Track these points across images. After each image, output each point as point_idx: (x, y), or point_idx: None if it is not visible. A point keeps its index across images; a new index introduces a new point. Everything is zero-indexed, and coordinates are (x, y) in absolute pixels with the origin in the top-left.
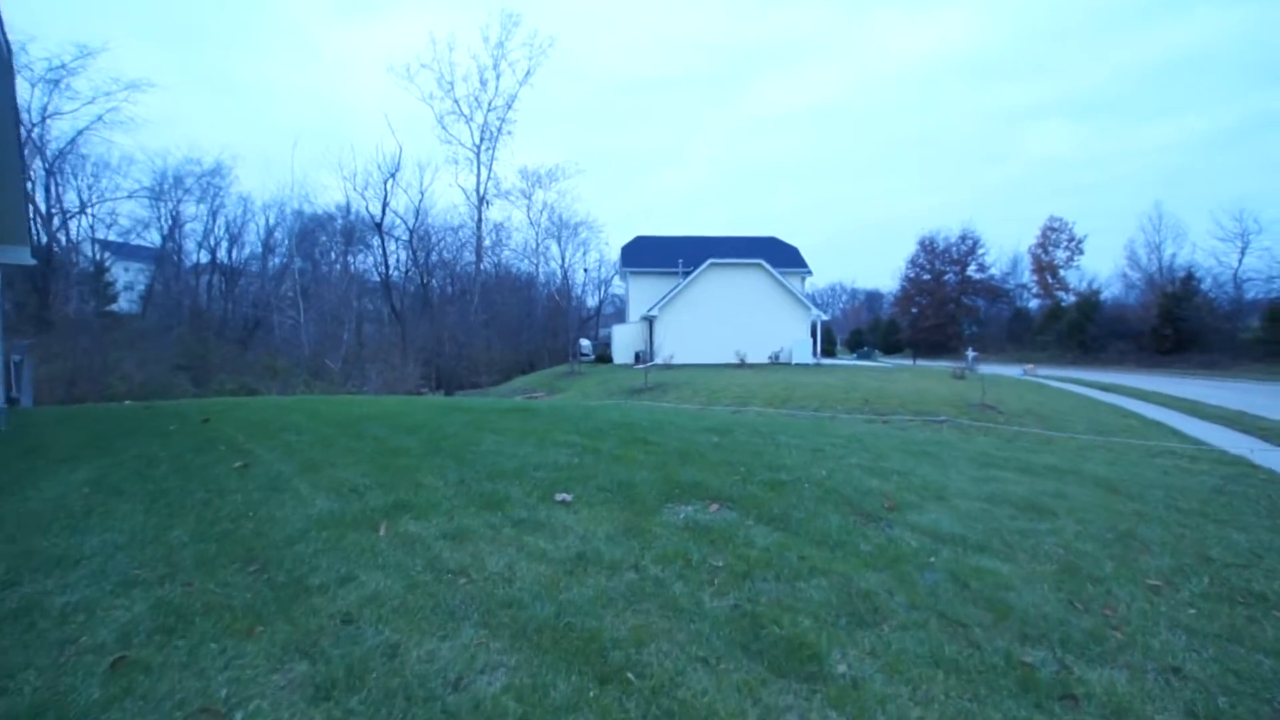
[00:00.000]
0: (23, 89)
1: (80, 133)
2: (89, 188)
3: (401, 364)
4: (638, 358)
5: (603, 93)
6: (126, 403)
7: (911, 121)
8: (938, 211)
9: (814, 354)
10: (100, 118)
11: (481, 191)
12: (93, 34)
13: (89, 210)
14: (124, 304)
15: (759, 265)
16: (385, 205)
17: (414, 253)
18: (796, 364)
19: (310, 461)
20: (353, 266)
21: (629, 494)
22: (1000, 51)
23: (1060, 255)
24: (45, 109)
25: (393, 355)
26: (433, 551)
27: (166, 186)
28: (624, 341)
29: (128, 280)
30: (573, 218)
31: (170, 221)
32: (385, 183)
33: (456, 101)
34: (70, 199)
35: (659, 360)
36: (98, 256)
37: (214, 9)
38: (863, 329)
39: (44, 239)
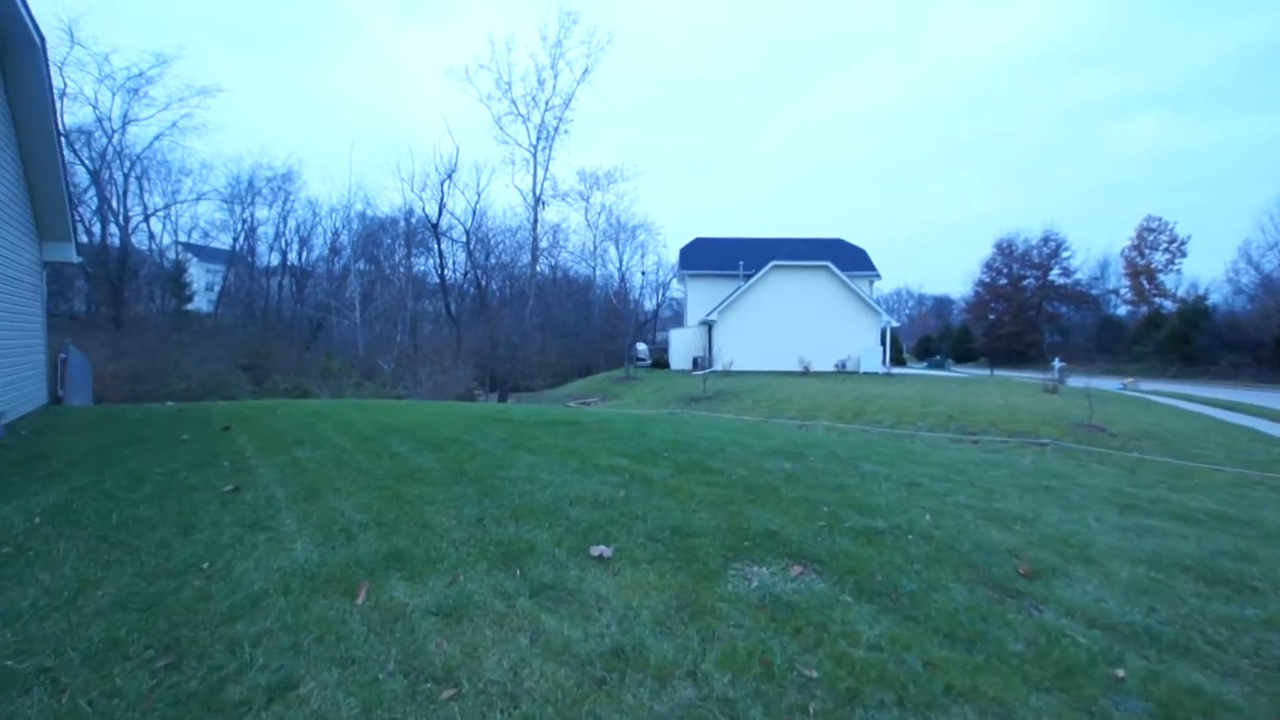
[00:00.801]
0: (104, 98)
1: (157, 138)
2: (171, 191)
3: (453, 366)
4: (696, 363)
5: (661, 95)
6: (168, 404)
7: (982, 119)
8: (1013, 213)
9: (883, 362)
10: (175, 124)
11: (538, 192)
12: (169, 41)
13: (164, 212)
14: (202, 304)
15: (825, 268)
16: (442, 206)
17: (470, 254)
18: (865, 373)
19: (311, 486)
20: (415, 269)
21: (685, 546)
22: (1079, 40)
23: (1159, 258)
24: (125, 115)
25: (445, 357)
26: (416, 637)
27: (240, 191)
28: (682, 346)
29: (208, 281)
30: (630, 220)
31: (242, 224)
32: (442, 184)
33: (514, 102)
34: (151, 201)
35: (718, 366)
36: (179, 257)
37: (280, 12)
38: (932, 336)
39: (119, 240)
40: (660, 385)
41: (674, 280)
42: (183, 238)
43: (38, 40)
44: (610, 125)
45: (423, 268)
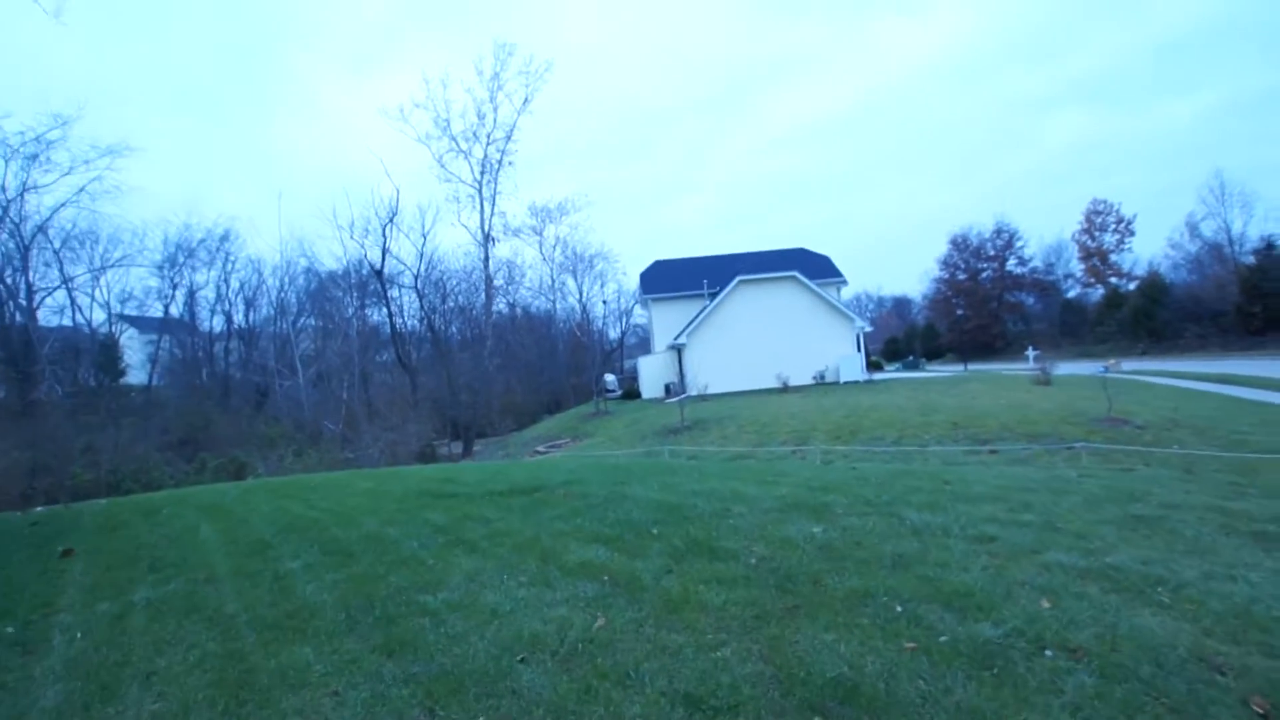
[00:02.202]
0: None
1: (61, 205)
2: (95, 259)
3: (403, 422)
4: (668, 390)
5: (608, 124)
6: (36, 510)
7: (924, 120)
8: (962, 208)
9: (863, 370)
10: (83, 189)
11: (486, 229)
12: (70, 103)
13: (88, 283)
14: (145, 377)
15: (793, 278)
16: (385, 252)
17: (422, 299)
18: (845, 382)
19: (113, 670)
20: (370, 320)
21: None
22: (1004, 40)
23: (1109, 239)
24: (24, 184)
25: (401, 412)
26: None
27: (174, 255)
28: (652, 374)
29: (150, 352)
30: (587, 250)
31: (175, 289)
32: (384, 229)
33: (454, 139)
34: (73, 274)
35: (692, 392)
36: (113, 329)
37: (193, 68)
38: (898, 337)
39: (21, 319)
40: (634, 418)
41: (637, 306)
42: (116, 309)
43: None
44: (558, 159)
45: (377, 318)
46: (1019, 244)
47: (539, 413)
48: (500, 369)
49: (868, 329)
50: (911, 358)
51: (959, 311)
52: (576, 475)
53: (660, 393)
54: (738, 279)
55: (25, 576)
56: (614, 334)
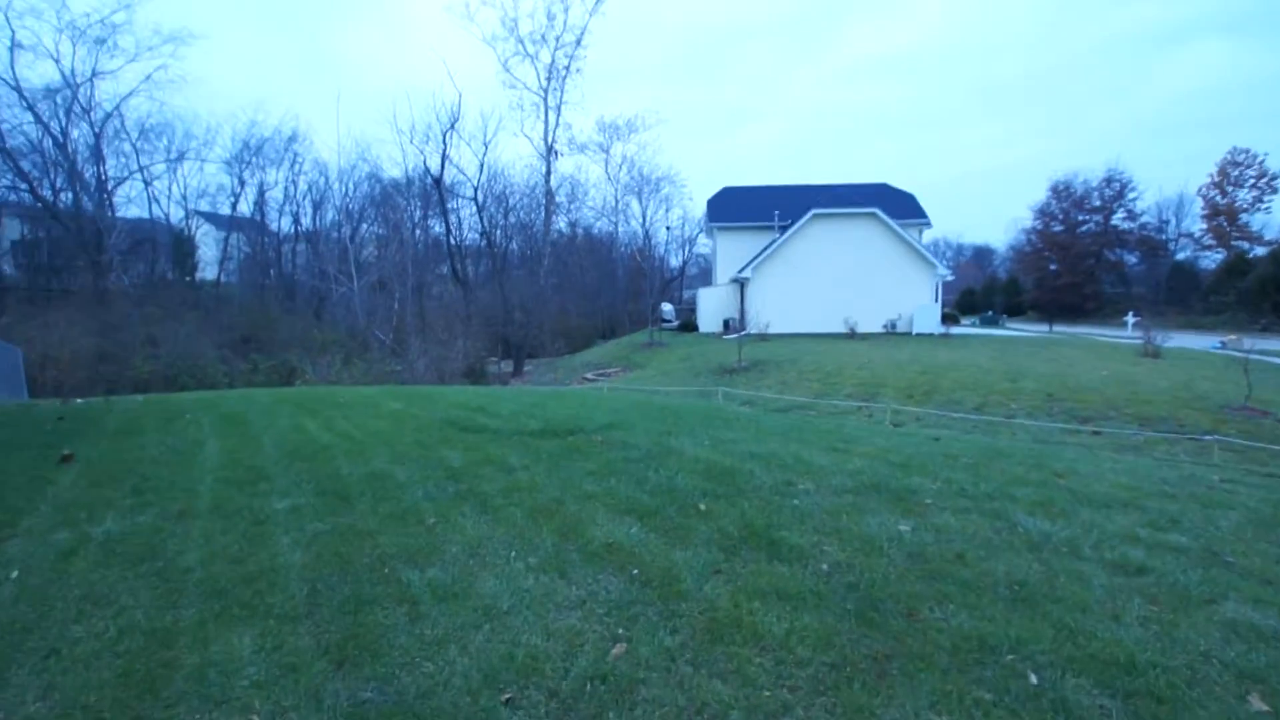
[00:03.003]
0: (66, 50)
1: (131, 94)
2: (166, 152)
3: (450, 338)
4: (727, 326)
5: (680, 43)
6: (75, 401)
7: (1022, 58)
8: (1060, 157)
9: (939, 321)
10: (149, 77)
11: (550, 140)
12: None
13: (160, 175)
14: (219, 274)
15: (873, 215)
16: (445, 159)
17: (480, 212)
18: (919, 334)
19: (11, 639)
20: (434, 231)
21: None
22: None
23: (1244, 196)
24: (94, 70)
25: (451, 327)
26: None
27: (243, 153)
28: (711, 307)
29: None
30: (654, 172)
31: (243, 187)
32: (445, 135)
33: (521, 41)
34: (145, 165)
35: (752, 330)
36: (189, 223)
37: None
38: (975, 290)
39: (90, 207)
40: (688, 352)
41: (701, 235)
42: (192, 204)
43: None
44: (625, 76)
45: (439, 229)
46: (1130, 195)
47: (593, 337)
48: (556, 289)
49: (948, 277)
50: (991, 313)
51: (1051, 267)
52: (619, 417)
53: (718, 327)
54: (813, 211)
55: (12, 484)
56: (675, 262)
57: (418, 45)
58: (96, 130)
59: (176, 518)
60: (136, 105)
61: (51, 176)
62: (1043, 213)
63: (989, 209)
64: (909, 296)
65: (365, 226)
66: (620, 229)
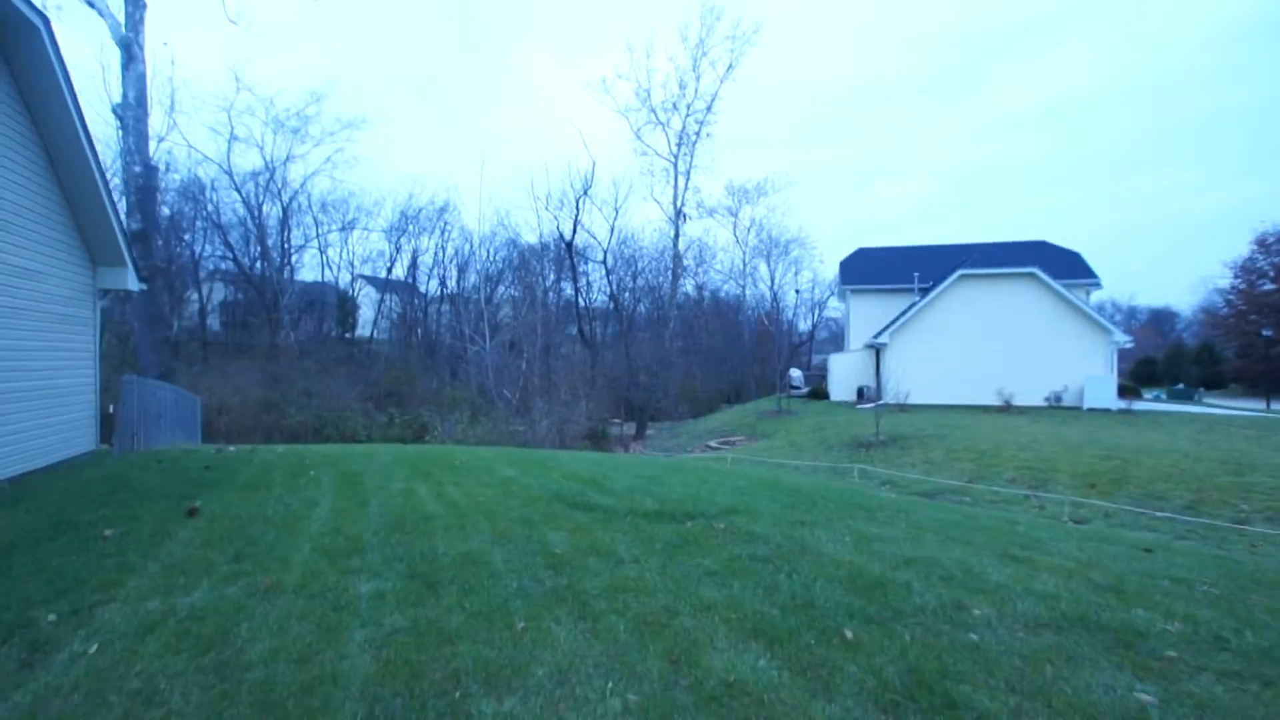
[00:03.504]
0: (268, 139)
1: (314, 174)
2: (336, 224)
3: (574, 400)
4: (861, 394)
5: (810, 104)
6: (228, 449)
7: (1205, 95)
8: (1260, 204)
9: (1114, 395)
10: (329, 159)
11: (679, 204)
12: (325, 81)
13: (329, 244)
14: (375, 333)
15: (1031, 275)
16: (576, 224)
17: (608, 274)
18: (1090, 409)
19: None
20: (565, 294)
21: None
22: None
23: None
24: (288, 154)
25: (576, 388)
26: None
27: (400, 222)
28: (843, 373)
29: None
30: (783, 234)
31: (396, 251)
32: (578, 200)
33: (653, 110)
34: (318, 236)
35: (889, 399)
36: (353, 286)
37: (419, 52)
38: (1155, 358)
39: (273, 272)
40: (819, 421)
41: (832, 298)
42: (357, 269)
43: (38, 22)
44: (755, 140)
45: (570, 292)
46: None
47: (717, 402)
48: (682, 352)
49: (1127, 343)
50: (1182, 385)
51: (1264, 333)
52: (744, 499)
53: (851, 396)
54: (959, 272)
55: (138, 536)
56: (804, 326)
57: (555, 118)
58: (285, 205)
59: (262, 594)
60: (317, 182)
61: (249, 246)
62: (1246, 269)
63: (1168, 267)
64: (1076, 365)
65: (502, 289)
66: (748, 292)
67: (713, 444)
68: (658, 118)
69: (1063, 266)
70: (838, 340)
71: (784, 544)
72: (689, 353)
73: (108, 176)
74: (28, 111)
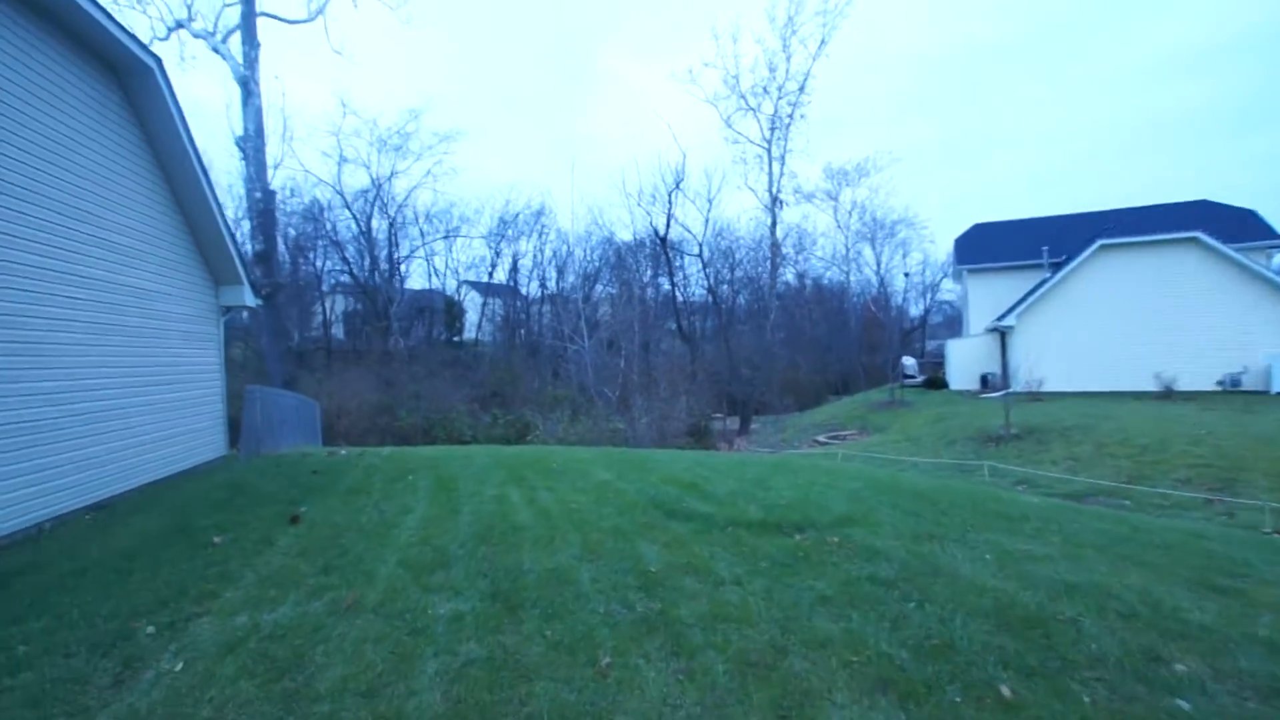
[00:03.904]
0: (373, 158)
1: (415, 187)
2: (439, 233)
3: (673, 395)
4: (985, 382)
5: (911, 77)
6: (341, 451)
7: None
8: None
9: None
10: (429, 171)
11: (774, 191)
12: (422, 97)
13: (435, 252)
14: (480, 336)
15: (1193, 240)
16: (669, 218)
17: (705, 267)
18: (1279, 393)
19: None
20: (662, 289)
21: None
22: None
23: None
24: (392, 171)
25: (676, 384)
26: None
27: (500, 228)
28: (963, 360)
29: (488, 313)
30: (888, 215)
31: (496, 256)
32: (670, 195)
33: (743, 96)
34: (423, 245)
35: (1018, 387)
36: (459, 292)
37: (511, 60)
38: None
39: (383, 282)
40: (938, 413)
41: (946, 279)
42: (462, 274)
43: (151, 62)
44: (855, 120)
45: (667, 287)
46: None
47: (824, 393)
48: (784, 344)
49: None
50: None
51: None
52: (861, 506)
53: (974, 384)
54: (1099, 243)
55: (242, 544)
56: (915, 311)
57: (643, 114)
58: (392, 219)
59: (342, 614)
60: (420, 195)
61: (362, 259)
62: None
63: None
64: (1258, 342)
65: (599, 287)
66: (852, 278)
67: (821, 439)
68: (748, 103)
69: (1233, 227)
70: (953, 325)
71: (911, 563)
72: (792, 344)
73: (232, 203)
74: (150, 146)
